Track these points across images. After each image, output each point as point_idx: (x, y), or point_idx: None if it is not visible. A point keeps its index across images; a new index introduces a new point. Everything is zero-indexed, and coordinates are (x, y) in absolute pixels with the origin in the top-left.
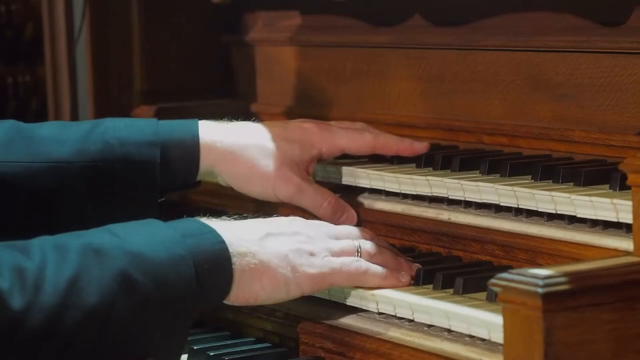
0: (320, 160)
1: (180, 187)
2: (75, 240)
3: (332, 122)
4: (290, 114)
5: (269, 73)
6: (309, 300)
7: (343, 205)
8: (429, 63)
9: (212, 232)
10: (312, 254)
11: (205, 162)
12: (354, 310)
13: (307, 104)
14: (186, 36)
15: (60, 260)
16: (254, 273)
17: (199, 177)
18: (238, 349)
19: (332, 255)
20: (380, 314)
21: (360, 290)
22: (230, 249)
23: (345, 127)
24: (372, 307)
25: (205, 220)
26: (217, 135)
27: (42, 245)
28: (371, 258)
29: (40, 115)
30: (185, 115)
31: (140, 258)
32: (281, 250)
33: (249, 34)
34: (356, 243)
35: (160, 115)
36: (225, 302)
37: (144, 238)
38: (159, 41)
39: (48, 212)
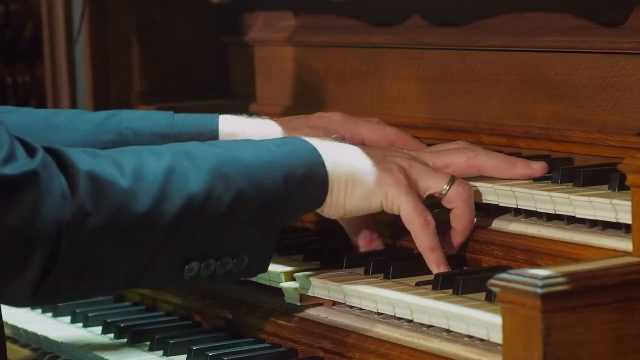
0: None
1: None
2: (165, 147)
3: None
4: (289, 115)
5: (268, 73)
6: (308, 300)
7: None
8: (429, 63)
9: (304, 141)
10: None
11: None
12: (353, 310)
13: (307, 105)
14: (185, 36)
15: (155, 157)
16: (346, 180)
17: None
18: (237, 349)
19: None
20: (379, 314)
21: (359, 290)
22: (323, 155)
23: (367, 120)
24: (371, 307)
25: None
26: (238, 127)
27: (133, 148)
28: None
29: None
30: None
31: (232, 159)
32: (369, 162)
33: (248, 34)
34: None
35: None
36: (318, 211)
37: (235, 145)
38: (158, 41)
39: None
